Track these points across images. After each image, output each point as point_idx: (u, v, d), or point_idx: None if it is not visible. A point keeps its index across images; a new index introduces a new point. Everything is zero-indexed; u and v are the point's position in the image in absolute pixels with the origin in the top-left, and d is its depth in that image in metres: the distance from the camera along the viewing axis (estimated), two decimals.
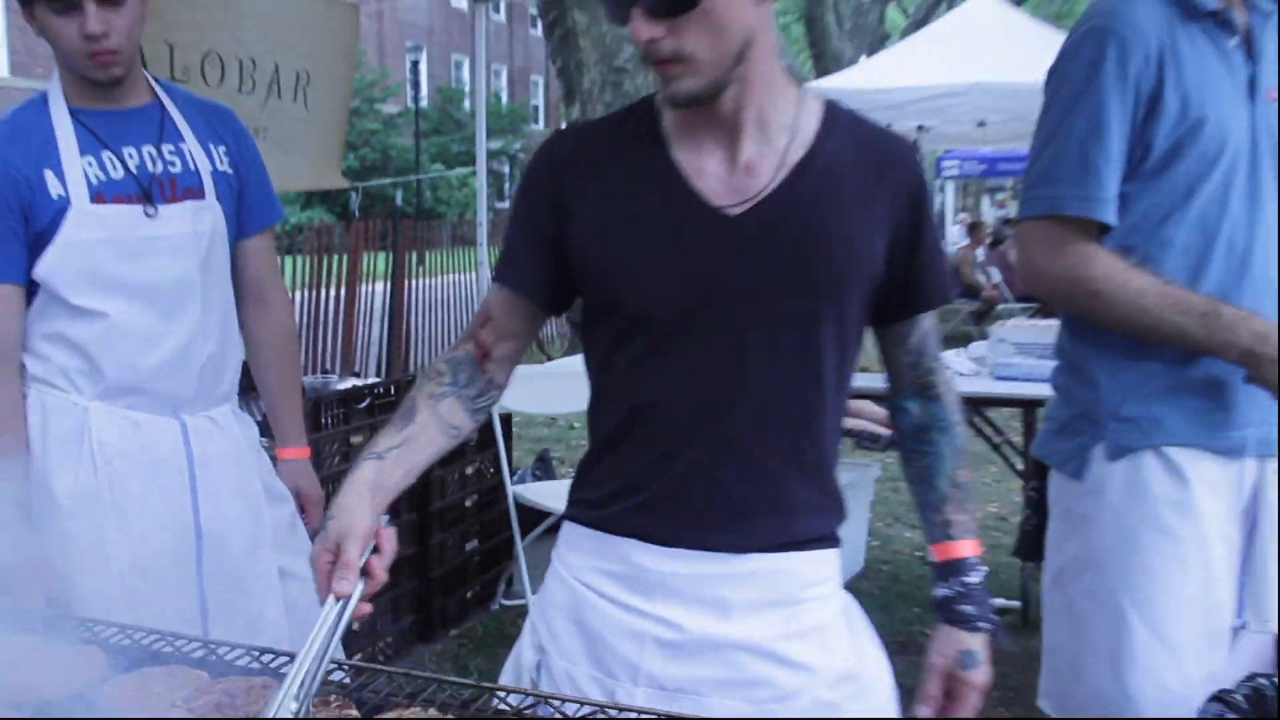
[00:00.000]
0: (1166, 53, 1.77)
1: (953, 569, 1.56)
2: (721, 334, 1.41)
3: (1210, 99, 1.79)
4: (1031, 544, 2.16)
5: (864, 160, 1.44)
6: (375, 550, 1.32)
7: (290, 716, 1.16)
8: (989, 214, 25.31)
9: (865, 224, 1.43)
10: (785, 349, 1.42)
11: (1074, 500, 1.91)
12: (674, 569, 1.44)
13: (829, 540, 1.52)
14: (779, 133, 1.42)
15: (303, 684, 1.18)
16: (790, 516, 1.46)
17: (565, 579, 1.52)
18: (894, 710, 1.55)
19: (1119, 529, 1.84)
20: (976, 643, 1.55)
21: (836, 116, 1.47)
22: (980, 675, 1.54)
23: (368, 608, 1.30)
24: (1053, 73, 1.87)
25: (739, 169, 1.41)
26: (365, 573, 1.30)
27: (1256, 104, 1.85)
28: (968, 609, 1.54)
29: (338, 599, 1.26)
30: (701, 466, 1.43)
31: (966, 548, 1.57)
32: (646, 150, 1.44)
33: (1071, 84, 1.81)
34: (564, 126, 1.60)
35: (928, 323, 1.57)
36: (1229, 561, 1.86)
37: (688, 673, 1.42)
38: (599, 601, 1.47)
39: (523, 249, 1.50)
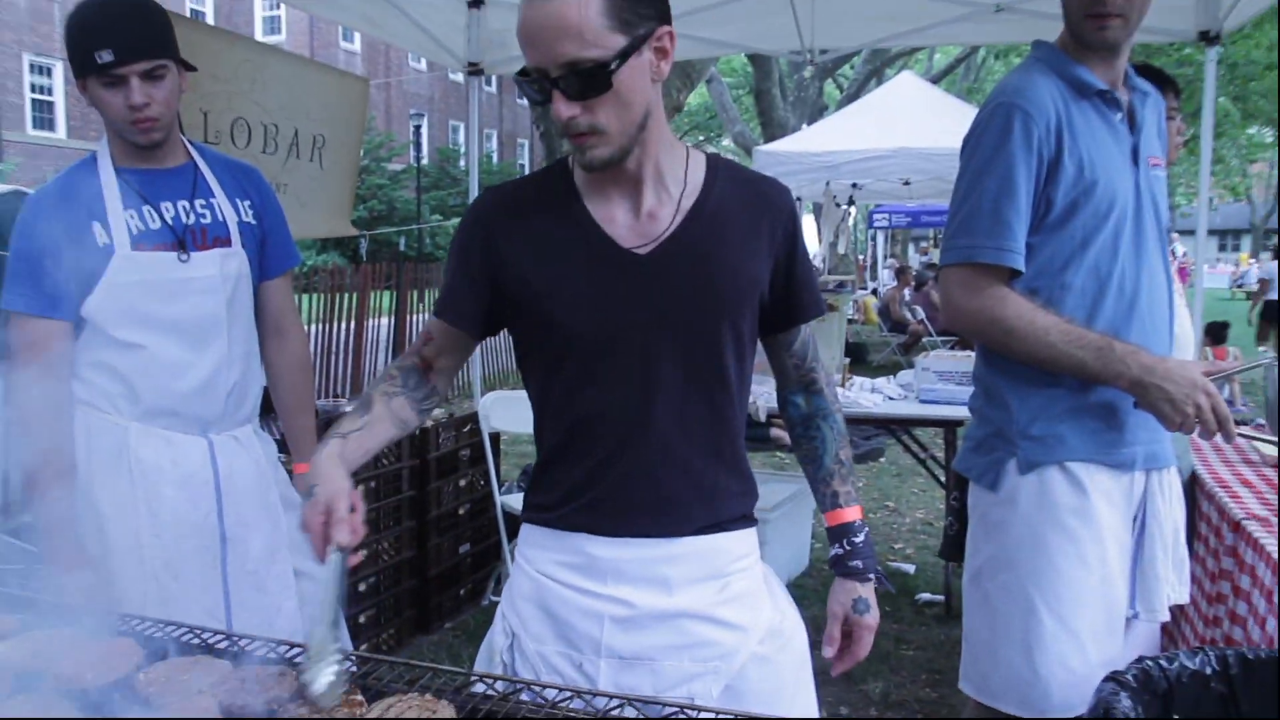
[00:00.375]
0: (1063, 125, 1.81)
1: (843, 531, 1.63)
2: (639, 354, 1.46)
3: (1101, 164, 1.83)
4: (954, 547, 2.18)
5: (745, 201, 1.51)
6: (352, 509, 1.37)
7: (337, 649, 1.26)
8: (914, 260, 25.52)
9: (750, 254, 1.50)
10: (694, 363, 1.48)
11: (990, 508, 1.93)
12: (621, 555, 1.48)
13: (747, 520, 1.58)
14: (673, 183, 1.48)
15: (334, 623, 1.28)
16: (714, 502, 1.52)
17: (529, 572, 1.54)
18: (809, 657, 1.61)
19: (1029, 533, 1.86)
20: (867, 591, 1.62)
21: (718, 167, 1.54)
22: (871, 618, 1.61)
23: (359, 557, 1.38)
24: (967, 141, 1.90)
25: (643, 216, 1.47)
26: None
27: (1140, 168, 1.90)
28: (857, 563, 1.61)
29: (340, 549, 1.32)
30: (636, 468, 1.47)
31: (852, 513, 1.63)
32: (563, 203, 1.49)
33: (984, 150, 1.84)
34: (488, 187, 1.63)
35: (806, 331, 1.65)
36: (1122, 561, 1.88)
37: (642, 642, 1.47)
38: (560, 589, 1.50)
39: (458, 288, 1.53)
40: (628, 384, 1.46)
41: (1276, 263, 15.58)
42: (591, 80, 1.32)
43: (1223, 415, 1.72)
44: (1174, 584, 1.95)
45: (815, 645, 1.61)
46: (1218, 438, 1.74)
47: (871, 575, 1.62)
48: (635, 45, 1.34)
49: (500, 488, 4.32)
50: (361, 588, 3.69)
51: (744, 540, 1.56)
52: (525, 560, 1.56)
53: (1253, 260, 34.00)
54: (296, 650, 1.41)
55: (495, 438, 4.36)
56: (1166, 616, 1.96)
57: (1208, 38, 4.03)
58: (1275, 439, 2.90)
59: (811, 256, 1.76)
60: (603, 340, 1.45)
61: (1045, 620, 1.84)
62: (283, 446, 2.41)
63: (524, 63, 1.37)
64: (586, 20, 1.30)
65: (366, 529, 1.38)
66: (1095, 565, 1.84)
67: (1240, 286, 29.47)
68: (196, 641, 1.47)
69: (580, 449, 1.49)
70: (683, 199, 1.48)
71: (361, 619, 3.67)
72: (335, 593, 1.31)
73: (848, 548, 1.62)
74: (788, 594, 1.65)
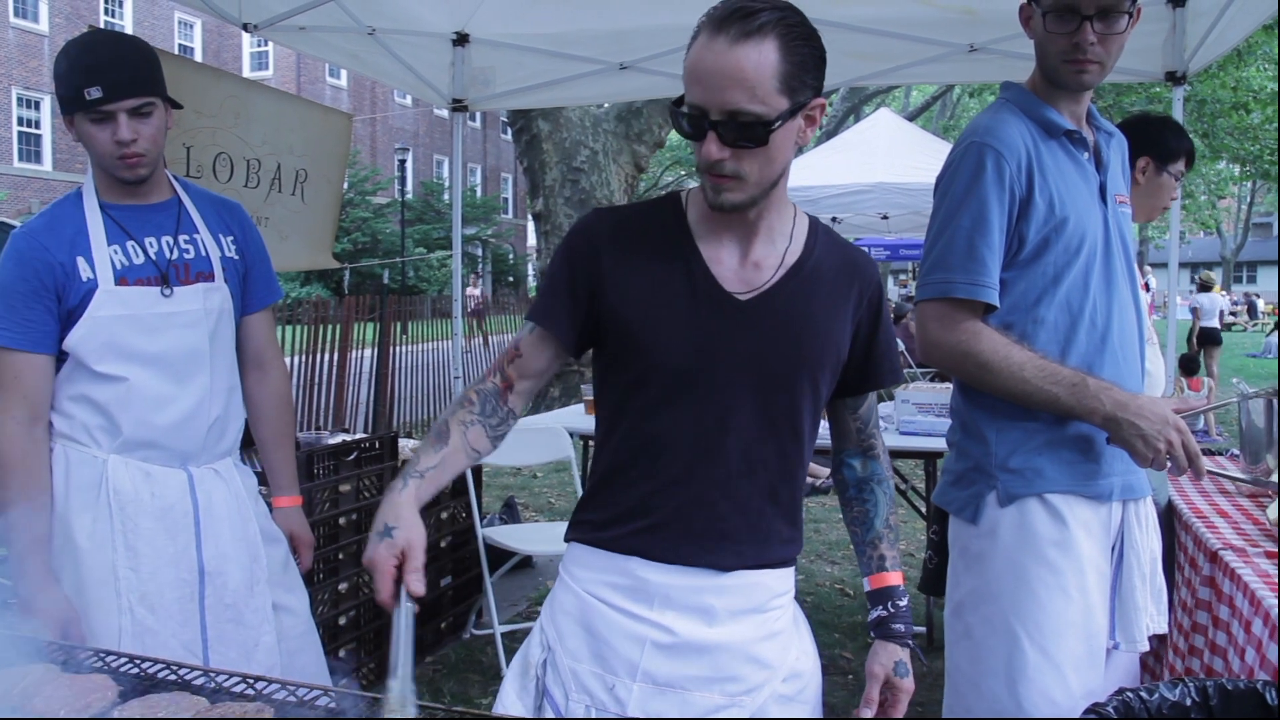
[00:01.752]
0: (1034, 164, 1.83)
1: (886, 594, 1.65)
2: (721, 391, 1.49)
3: (1070, 201, 1.84)
4: (934, 580, 2.16)
5: (839, 267, 1.57)
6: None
7: (415, 716, 1.25)
8: (893, 292, 25.69)
9: (838, 317, 1.55)
10: (770, 409, 1.51)
11: (970, 541, 1.92)
12: (671, 581, 1.50)
13: (790, 562, 1.60)
14: (780, 238, 1.54)
15: (410, 675, 1.25)
16: (766, 543, 1.54)
17: (574, 589, 1.55)
18: (821, 701, 1.64)
19: (1010, 565, 1.85)
20: (905, 655, 1.63)
21: (818, 230, 1.59)
22: (909, 683, 1.63)
23: (415, 608, 1.36)
24: (940, 179, 1.92)
25: (749, 264, 1.52)
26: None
27: (1108, 206, 1.92)
28: (899, 626, 1.64)
29: (412, 599, 1.33)
30: (698, 497, 1.50)
31: (896, 577, 1.67)
32: (674, 237, 1.52)
33: (957, 188, 1.85)
34: (600, 207, 1.65)
35: (873, 398, 1.70)
36: (1102, 591, 1.88)
37: (678, 670, 1.49)
38: (605, 609, 1.51)
39: (561, 299, 1.53)
40: (704, 415, 1.49)
41: (1212, 292, 16.54)
42: (749, 132, 1.36)
43: (1193, 452, 1.74)
44: (1152, 613, 1.95)
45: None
46: (1188, 474, 1.75)
47: (910, 640, 1.65)
48: (794, 110, 1.39)
49: (482, 520, 4.29)
50: (342, 621, 3.65)
51: (784, 579, 1.59)
52: (571, 578, 1.57)
53: (1224, 292, 34.45)
54: (273, 686, 1.39)
55: (477, 470, 4.34)
56: (1147, 646, 1.95)
57: (1175, 78, 4.10)
58: (1243, 475, 2.91)
59: None
60: (689, 371, 1.48)
61: (1028, 652, 1.83)
62: (263, 479, 2.39)
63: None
64: (761, 78, 1.34)
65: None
66: (1076, 596, 1.84)
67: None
68: (173, 677, 1.44)
69: (643, 470, 1.51)
70: (786, 255, 1.53)
71: (341, 652, 3.62)
72: (409, 643, 1.28)
73: (891, 610, 1.64)
74: (812, 639, 1.67)
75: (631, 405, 1.52)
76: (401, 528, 1.38)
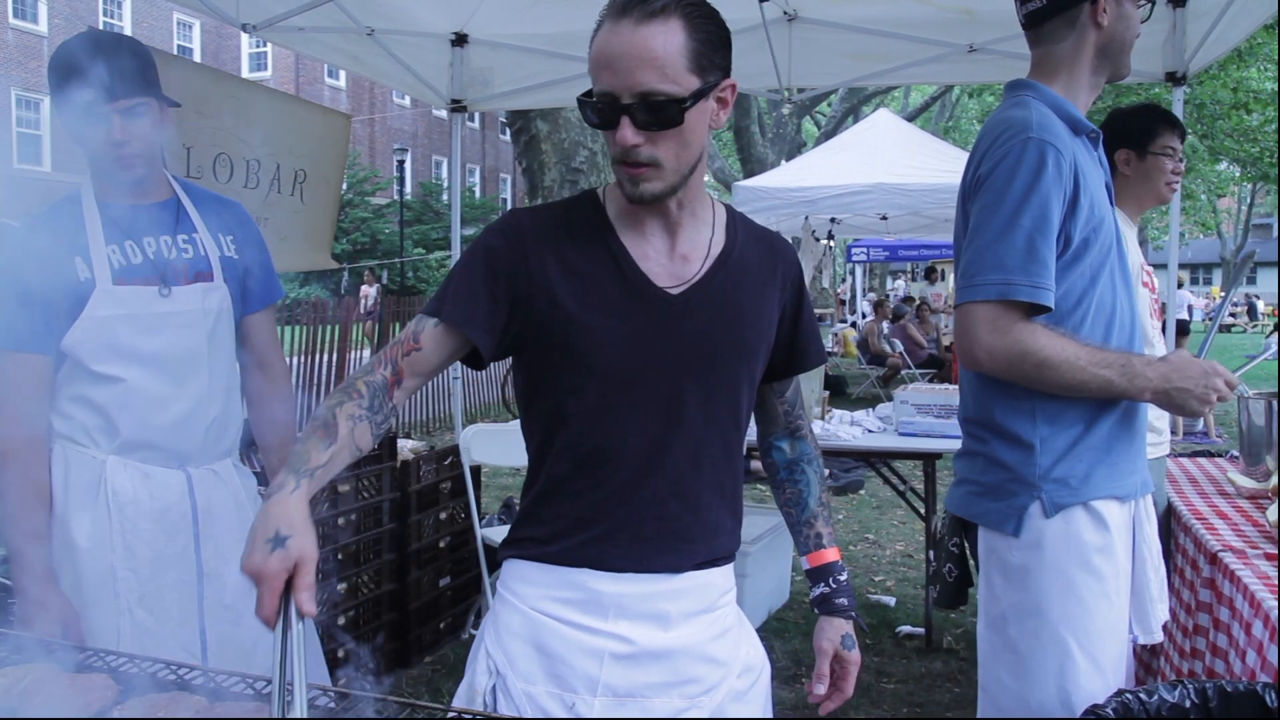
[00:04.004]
0: (1077, 162, 1.81)
1: (826, 571, 1.67)
2: (663, 390, 1.46)
3: (1100, 201, 1.84)
4: (954, 593, 2.13)
5: (760, 253, 1.57)
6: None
7: None
8: (892, 294, 25.68)
9: (765, 303, 1.56)
10: (713, 402, 1.50)
11: (1010, 553, 1.86)
12: (624, 590, 1.47)
13: (732, 557, 1.60)
14: (704, 227, 1.52)
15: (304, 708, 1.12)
16: (714, 538, 1.53)
17: (519, 608, 1.50)
18: (770, 690, 1.65)
19: (1058, 576, 1.81)
20: (850, 628, 1.66)
21: (735, 218, 1.58)
22: (857, 654, 1.65)
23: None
24: (991, 175, 1.82)
25: (676, 257, 1.49)
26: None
27: (1113, 205, 1.93)
28: (842, 601, 1.65)
29: (303, 617, 1.18)
30: (649, 501, 1.47)
31: (834, 553, 1.68)
32: (597, 235, 1.48)
33: (1018, 186, 1.77)
34: (516, 208, 1.61)
35: (797, 380, 1.72)
36: (1127, 588, 1.89)
37: (638, 679, 1.47)
38: (557, 626, 1.47)
39: (480, 302, 1.45)
40: (648, 417, 1.46)
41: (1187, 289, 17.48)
42: (662, 113, 1.35)
43: (1232, 384, 1.81)
44: (1160, 603, 1.96)
45: (796, 678, 1.60)
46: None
47: (853, 613, 1.66)
48: (706, 90, 1.37)
49: (481, 521, 4.29)
50: (341, 621, 3.65)
51: (728, 575, 1.59)
52: (514, 596, 1.51)
53: (1224, 293, 34.42)
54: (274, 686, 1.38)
55: (476, 471, 4.34)
56: (1161, 636, 1.96)
57: (1174, 78, 4.10)
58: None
59: None
60: (629, 373, 1.45)
61: (1079, 660, 1.80)
62: (262, 480, 2.39)
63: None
64: (670, 56, 1.33)
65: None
66: (1115, 599, 1.83)
67: (1212, 319, 29.92)
68: (172, 677, 1.44)
69: (590, 479, 1.47)
70: (711, 245, 1.52)
71: (341, 652, 3.62)
72: (301, 668, 1.13)
73: (833, 585, 1.66)
74: (754, 631, 1.67)
75: (569, 414, 1.47)
76: (295, 536, 1.23)
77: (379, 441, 1.47)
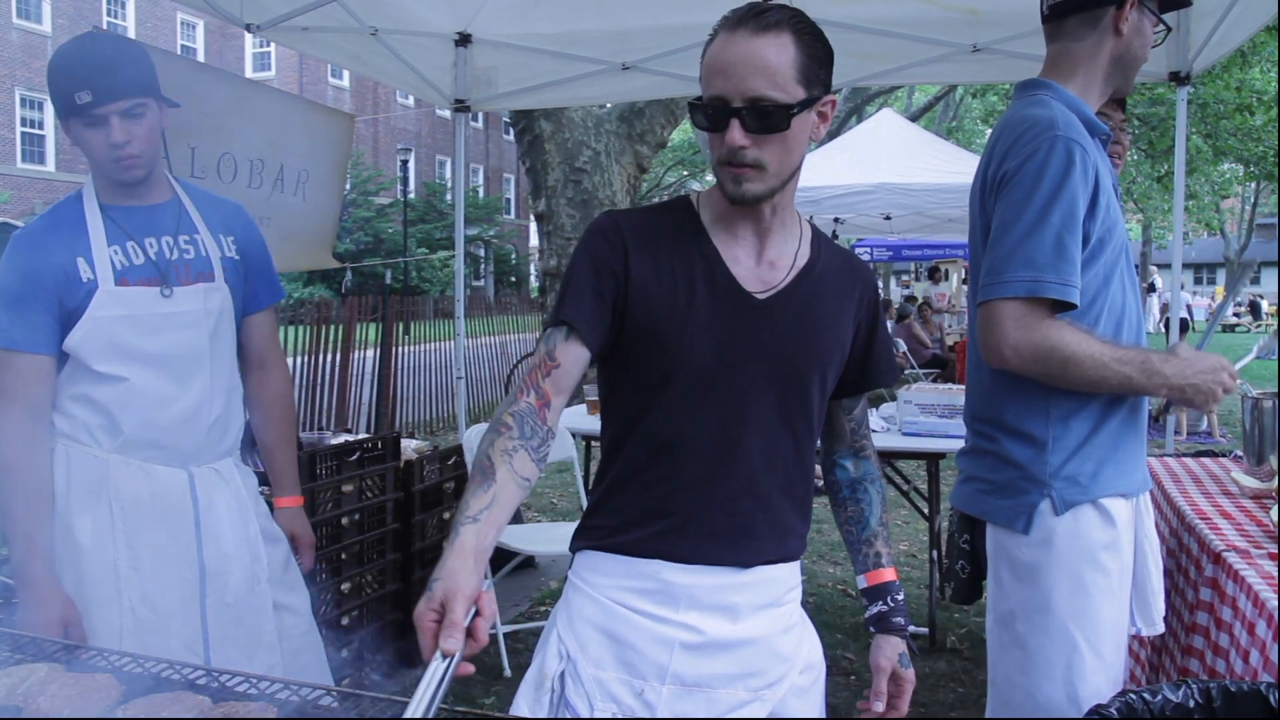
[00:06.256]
0: (1097, 163, 1.82)
1: (884, 590, 1.71)
2: (740, 388, 1.52)
3: (1114, 201, 1.85)
4: (969, 589, 2.13)
5: (841, 270, 1.63)
6: (477, 613, 1.25)
7: None
8: (895, 293, 25.66)
9: (842, 316, 1.62)
10: (787, 405, 1.55)
11: (1019, 550, 1.87)
12: (695, 581, 1.52)
13: (799, 555, 1.65)
14: (790, 240, 1.59)
15: None
16: (783, 538, 1.59)
17: (593, 596, 1.55)
18: (825, 690, 1.69)
19: (1067, 573, 1.83)
20: (904, 647, 1.69)
21: (820, 236, 1.65)
22: (912, 673, 1.69)
23: (470, 668, 1.22)
24: (1016, 174, 1.81)
25: (764, 264, 1.56)
26: (469, 633, 1.23)
27: (1123, 207, 1.94)
28: (899, 620, 1.69)
29: (444, 656, 1.18)
30: (721, 495, 1.52)
31: (891, 573, 1.73)
32: (690, 238, 1.55)
33: (1047, 184, 1.76)
34: (611, 210, 1.64)
35: (865, 400, 1.76)
36: (1130, 582, 1.90)
37: (705, 669, 1.51)
38: (630, 615, 1.52)
39: (588, 301, 1.50)
40: (726, 413, 1.52)
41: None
42: (771, 118, 1.42)
43: (1235, 375, 1.84)
44: (1161, 596, 1.99)
45: None
46: None
47: (908, 632, 1.70)
48: (811, 101, 1.46)
49: None
50: (345, 621, 3.65)
51: (794, 572, 1.64)
52: (588, 585, 1.56)
53: (1226, 292, 34.40)
54: (276, 685, 1.39)
55: None
56: (1163, 627, 1.98)
57: (1178, 78, 4.10)
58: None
59: None
60: (712, 370, 1.51)
61: (1086, 655, 1.82)
62: (264, 479, 2.39)
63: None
64: (782, 66, 1.42)
65: (488, 640, 1.27)
66: (1120, 595, 1.86)
67: (1213, 318, 29.90)
68: (175, 676, 1.44)
69: (662, 470, 1.52)
70: (798, 256, 1.58)
71: (345, 653, 3.62)
72: (429, 701, 1.14)
73: (891, 605, 1.70)
74: (812, 626, 1.71)
75: (651, 406, 1.53)
76: (442, 579, 1.25)
77: (544, 465, 1.46)
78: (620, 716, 1.48)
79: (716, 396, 1.51)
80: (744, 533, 1.53)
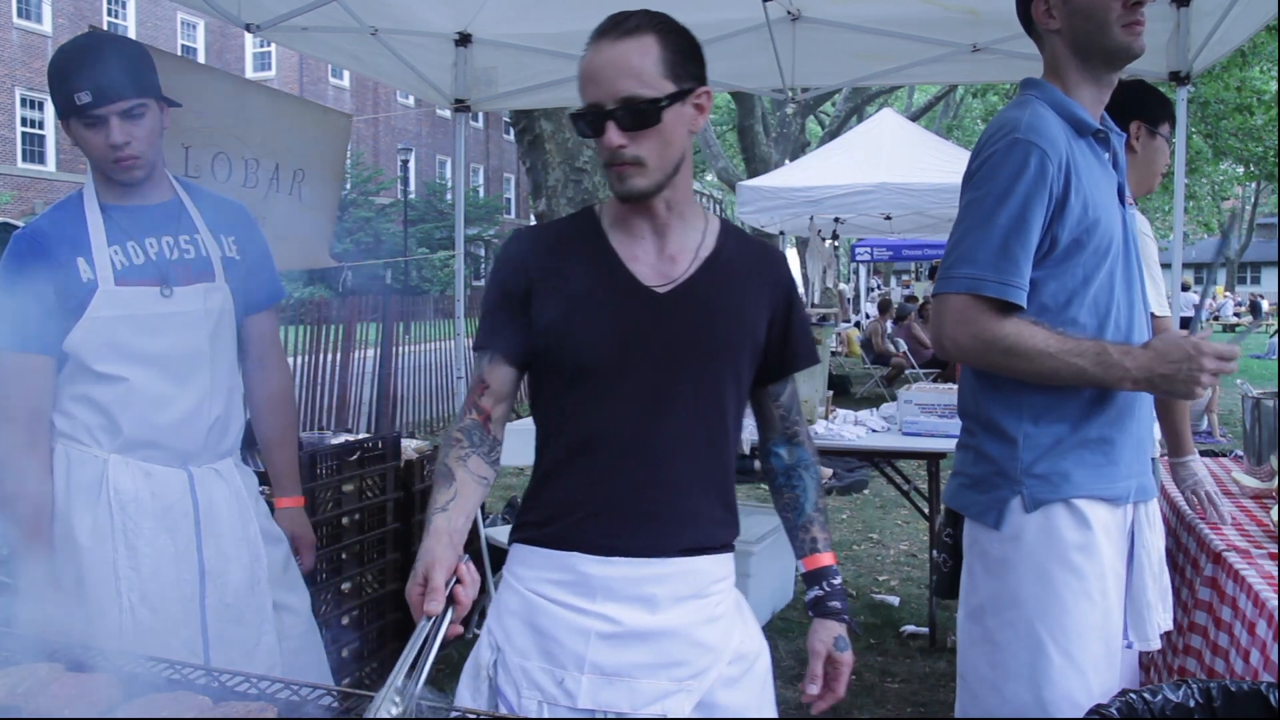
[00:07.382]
0: (1071, 164, 1.80)
1: (821, 575, 1.73)
2: (649, 381, 1.58)
3: (1099, 202, 1.83)
4: (950, 583, 2.13)
5: (750, 260, 1.69)
6: (459, 581, 1.40)
7: (391, 716, 1.23)
8: (895, 293, 25.66)
9: (752, 306, 1.66)
10: (696, 395, 1.60)
11: (991, 545, 1.89)
12: (610, 573, 1.56)
13: (727, 547, 1.68)
14: (693, 233, 1.65)
15: (401, 690, 1.25)
16: (699, 526, 1.62)
17: (517, 589, 1.61)
18: (771, 680, 1.71)
19: (1035, 570, 1.83)
20: (843, 630, 1.71)
21: (729, 229, 1.71)
22: (849, 656, 1.71)
23: (459, 629, 1.39)
24: (974, 173, 1.86)
25: (665, 257, 1.62)
26: (453, 599, 1.38)
27: (1125, 207, 1.92)
28: (835, 604, 1.72)
29: (428, 618, 1.34)
30: (631, 484, 1.57)
31: (829, 557, 1.75)
32: (591, 243, 1.63)
33: (998, 184, 1.79)
34: (520, 229, 1.76)
35: (793, 385, 1.79)
36: (1119, 592, 1.88)
37: (624, 659, 1.54)
38: (548, 605, 1.58)
39: (503, 321, 1.63)
40: (633, 406, 1.57)
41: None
42: (643, 115, 1.50)
43: (1224, 354, 1.76)
44: (1160, 611, 1.95)
45: (799, 677, 1.61)
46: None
47: (846, 615, 1.72)
48: (682, 94, 1.53)
49: (485, 520, 4.29)
50: (345, 621, 3.65)
51: (723, 564, 1.66)
52: (514, 578, 1.63)
53: (1228, 293, 34.42)
54: (276, 685, 1.39)
55: None
56: (1159, 644, 1.95)
57: (1178, 78, 4.09)
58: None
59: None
60: (616, 365, 1.57)
61: (1053, 656, 1.82)
62: (264, 479, 2.39)
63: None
64: (647, 65, 1.50)
65: (470, 603, 1.41)
66: (1098, 599, 1.84)
67: (1216, 319, 29.86)
68: (175, 676, 1.44)
69: (580, 465, 1.59)
70: (700, 249, 1.64)
71: (345, 652, 3.62)
72: (411, 657, 1.30)
73: (827, 589, 1.72)
74: (755, 622, 1.73)
75: (566, 405, 1.61)
76: (421, 556, 1.42)
77: (498, 467, 1.65)
78: (545, 707, 1.53)
79: (626, 390, 1.57)
80: (654, 518, 1.57)
